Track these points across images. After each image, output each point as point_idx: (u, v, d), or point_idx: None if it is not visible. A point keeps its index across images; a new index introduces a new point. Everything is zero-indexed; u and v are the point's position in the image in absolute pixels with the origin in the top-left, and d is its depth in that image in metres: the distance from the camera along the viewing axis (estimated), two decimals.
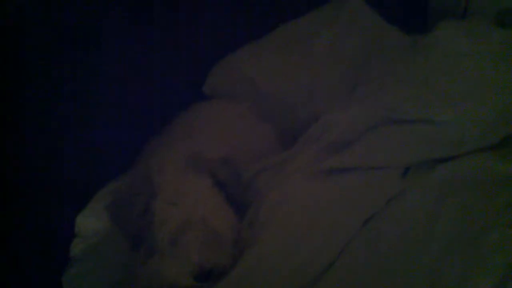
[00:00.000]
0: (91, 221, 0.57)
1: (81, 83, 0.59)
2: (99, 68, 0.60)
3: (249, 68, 0.70)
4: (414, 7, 1.00)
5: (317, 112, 0.57)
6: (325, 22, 0.75)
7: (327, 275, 0.44)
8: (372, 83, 0.64)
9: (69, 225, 0.57)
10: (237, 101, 0.67)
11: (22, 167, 0.58)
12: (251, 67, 0.70)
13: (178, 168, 0.47)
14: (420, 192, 0.51)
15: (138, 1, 0.63)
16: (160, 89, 0.66)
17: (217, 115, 0.62)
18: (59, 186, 0.58)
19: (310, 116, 0.58)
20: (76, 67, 0.59)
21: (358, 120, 0.55)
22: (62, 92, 0.58)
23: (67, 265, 0.57)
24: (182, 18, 0.68)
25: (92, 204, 0.59)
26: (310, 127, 0.56)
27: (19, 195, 0.58)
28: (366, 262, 0.45)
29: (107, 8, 0.60)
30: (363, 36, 0.75)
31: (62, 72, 0.57)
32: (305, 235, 0.45)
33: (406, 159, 0.53)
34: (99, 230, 0.57)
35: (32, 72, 0.57)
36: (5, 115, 0.56)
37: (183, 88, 0.69)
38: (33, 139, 0.58)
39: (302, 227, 0.46)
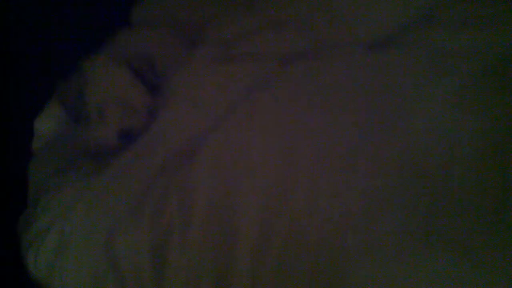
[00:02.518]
0: (47, 123, 0.71)
1: None
2: None
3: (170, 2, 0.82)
4: None
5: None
6: None
7: (218, 128, 0.59)
8: None
9: (28, 127, 0.71)
10: (157, 27, 0.81)
11: None
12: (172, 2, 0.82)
13: (104, 61, 0.61)
14: (286, 77, 0.61)
15: None
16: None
17: (138, 33, 0.76)
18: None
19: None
20: None
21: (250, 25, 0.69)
22: None
23: (30, 160, 0.71)
24: None
25: (47, 109, 0.72)
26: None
27: None
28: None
29: None
30: None
31: None
32: (199, 98, 0.60)
33: (283, 50, 0.67)
34: (56, 129, 0.71)
35: None
36: None
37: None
38: None
39: (197, 94, 0.61)
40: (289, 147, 0.54)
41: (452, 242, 0.45)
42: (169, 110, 0.60)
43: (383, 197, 0.48)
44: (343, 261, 0.46)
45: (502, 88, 0.52)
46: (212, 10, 0.82)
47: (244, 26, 0.69)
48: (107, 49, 0.70)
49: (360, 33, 0.69)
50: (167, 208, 0.55)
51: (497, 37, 0.55)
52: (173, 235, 0.53)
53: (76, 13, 0.78)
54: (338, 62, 0.60)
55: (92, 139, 0.60)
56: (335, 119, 0.55)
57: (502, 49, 0.55)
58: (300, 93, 0.58)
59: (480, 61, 0.54)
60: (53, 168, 0.65)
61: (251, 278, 0.51)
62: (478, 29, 0.56)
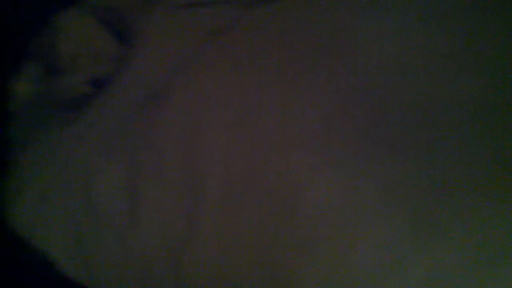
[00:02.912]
0: (24, 83, 0.73)
1: None
2: None
3: None
4: None
5: None
6: None
7: (185, 73, 0.61)
8: None
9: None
10: None
11: None
12: None
13: (74, 14, 0.64)
14: (247, 22, 0.62)
15: None
16: None
17: None
18: None
19: None
20: None
21: None
22: None
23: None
24: None
25: (23, 69, 0.74)
26: None
27: None
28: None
29: None
30: None
31: None
32: (166, 45, 0.63)
33: None
34: (33, 88, 0.72)
35: None
36: None
37: None
38: None
39: (163, 41, 0.64)
40: (252, 87, 0.57)
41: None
42: (138, 57, 0.62)
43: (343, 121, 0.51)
44: (301, 180, 0.49)
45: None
46: None
47: None
48: (77, 3, 0.72)
49: None
50: (140, 146, 0.57)
51: None
52: (146, 171, 0.56)
53: None
54: (296, 6, 0.60)
55: (65, 89, 0.62)
56: (299, 62, 0.57)
57: None
58: (264, 36, 0.60)
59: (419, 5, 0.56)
60: (30, 125, 0.68)
61: (219, 216, 0.53)
62: None
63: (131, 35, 0.66)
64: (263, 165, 0.52)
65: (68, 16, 0.64)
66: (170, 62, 0.62)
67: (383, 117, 0.50)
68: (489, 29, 0.53)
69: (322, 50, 0.56)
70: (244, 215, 0.51)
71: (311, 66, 0.55)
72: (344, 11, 0.58)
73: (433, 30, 0.54)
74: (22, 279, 0.66)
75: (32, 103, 0.69)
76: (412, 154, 0.47)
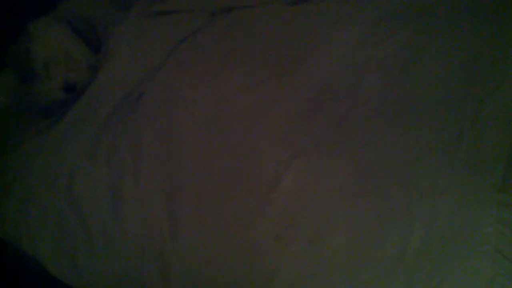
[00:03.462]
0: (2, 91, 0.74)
1: None
2: None
3: None
4: None
5: None
6: None
7: (157, 74, 0.65)
8: None
9: None
10: None
11: None
12: None
13: (47, 22, 0.65)
14: (216, 27, 0.68)
15: None
16: None
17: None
18: None
19: None
20: None
21: None
22: None
23: None
24: None
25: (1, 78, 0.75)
26: None
27: None
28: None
29: None
30: None
31: None
32: (138, 49, 0.66)
33: (211, 5, 0.70)
34: (11, 96, 0.73)
35: None
36: None
37: None
38: None
39: (136, 46, 0.67)
40: (218, 85, 0.62)
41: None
42: (112, 61, 0.65)
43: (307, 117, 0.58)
44: (275, 172, 0.56)
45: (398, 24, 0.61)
46: None
47: None
48: (51, 13, 0.73)
49: None
50: (120, 146, 0.61)
51: None
52: (127, 170, 0.60)
53: None
54: (262, 15, 0.67)
55: (41, 94, 0.64)
56: (256, 61, 0.64)
57: None
58: (224, 42, 0.66)
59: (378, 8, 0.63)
60: (11, 130, 0.69)
61: (199, 210, 0.57)
62: None
63: (104, 42, 0.68)
64: (238, 160, 0.58)
65: (42, 25, 0.65)
66: (143, 67, 0.65)
67: (352, 113, 0.56)
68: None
69: (288, 53, 0.62)
70: (222, 208, 0.56)
71: (278, 68, 0.61)
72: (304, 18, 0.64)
73: (395, 32, 0.60)
74: (10, 278, 0.66)
75: (11, 110, 0.70)
76: (378, 146, 0.54)
